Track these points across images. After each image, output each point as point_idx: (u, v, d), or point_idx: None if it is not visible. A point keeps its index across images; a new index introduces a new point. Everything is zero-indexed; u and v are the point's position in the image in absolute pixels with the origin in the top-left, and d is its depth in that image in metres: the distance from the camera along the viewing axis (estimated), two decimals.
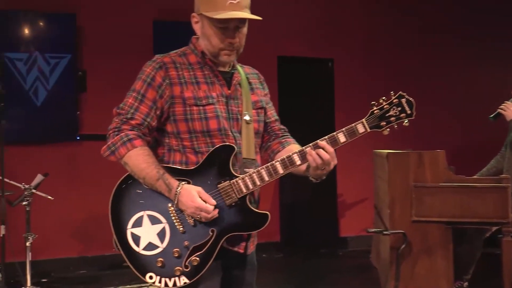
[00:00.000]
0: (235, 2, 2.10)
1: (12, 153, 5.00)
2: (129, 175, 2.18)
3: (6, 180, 4.18)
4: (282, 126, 2.46)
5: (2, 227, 3.47)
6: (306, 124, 6.48)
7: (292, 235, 6.69)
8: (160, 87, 2.16)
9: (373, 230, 3.40)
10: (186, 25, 6.44)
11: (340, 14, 6.91)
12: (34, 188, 4.26)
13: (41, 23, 5.72)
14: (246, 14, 2.14)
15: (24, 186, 4.09)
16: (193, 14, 2.22)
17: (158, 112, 2.17)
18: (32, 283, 4.23)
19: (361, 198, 6.79)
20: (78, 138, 5.85)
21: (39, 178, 4.58)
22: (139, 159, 2.13)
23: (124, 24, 6.01)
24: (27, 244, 4.06)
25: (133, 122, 2.15)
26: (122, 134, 2.15)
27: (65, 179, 5.70)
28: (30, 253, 4.08)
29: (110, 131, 2.19)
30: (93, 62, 5.93)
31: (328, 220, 6.86)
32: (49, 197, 4.32)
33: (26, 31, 5.68)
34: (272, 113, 2.43)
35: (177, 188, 2.10)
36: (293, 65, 6.74)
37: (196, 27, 2.23)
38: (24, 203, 4.07)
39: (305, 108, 6.68)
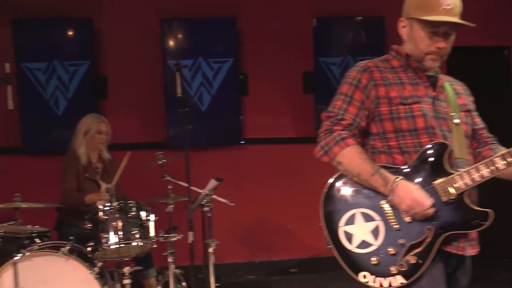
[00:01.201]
0: (448, 7, 2.15)
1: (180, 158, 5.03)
2: (339, 176, 2.23)
3: (181, 183, 4.19)
4: (490, 134, 2.42)
5: (190, 233, 3.41)
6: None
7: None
8: (365, 88, 2.22)
9: None
10: (346, 21, 6.12)
11: None
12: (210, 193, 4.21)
13: (203, 29, 5.75)
14: (459, 20, 2.17)
15: (204, 192, 4.04)
16: (401, 18, 2.29)
17: (366, 113, 2.23)
18: None
19: None
20: (242, 142, 5.81)
21: (212, 183, 4.54)
22: (352, 156, 2.16)
23: (284, 24, 5.88)
24: (210, 250, 4.01)
25: (343, 122, 2.21)
26: (334, 134, 2.19)
27: (231, 183, 5.63)
28: (213, 258, 4.03)
29: (321, 134, 2.24)
30: (254, 65, 5.87)
31: None
32: (230, 203, 4.25)
33: (189, 37, 5.73)
34: (479, 121, 2.42)
35: (394, 182, 2.10)
36: (463, 55, 6.19)
37: (403, 31, 2.30)
38: (205, 209, 4.02)
39: (477, 101, 6.11)
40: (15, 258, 3.52)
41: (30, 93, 5.49)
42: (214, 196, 4.12)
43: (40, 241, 3.84)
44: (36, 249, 3.69)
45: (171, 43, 5.70)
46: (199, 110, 5.70)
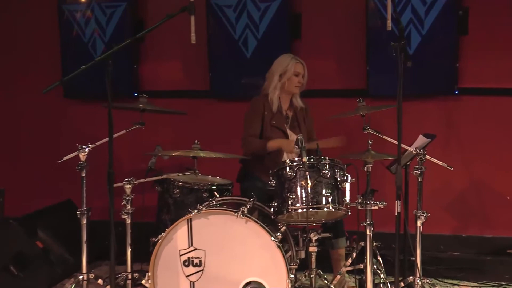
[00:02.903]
0: None
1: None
2: None
3: (386, 137, 3.42)
4: None
5: (398, 203, 2.66)
6: None
7: None
8: None
9: None
10: None
11: None
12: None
13: None
14: None
15: (417, 150, 3.22)
16: None
17: None
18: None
19: None
20: (456, 92, 4.80)
21: (422, 140, 3.71)
22: None
23: None
24: (419, 223, 3.23)
25: None
26: None
27: (441, 140, 4.65)
28: (420, 234, 3.24)
29: None
30: None
31: None
32: (448, 166, 3.38)
33: None
34: None
35: None
36: None
37: None
38: (415, 172, 3.20)
39: None
40: (191, 214, 3.07)
41: (219, 33, 5.10)
42: (428, 157, 3.27)
43: (219, 196, 3.38)
44: (214, 206, 3.22)
45: None
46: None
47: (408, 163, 3.82)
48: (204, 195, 3.50)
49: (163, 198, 3.66)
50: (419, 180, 3.21)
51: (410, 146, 3.54)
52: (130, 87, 5.30)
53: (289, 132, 3.92)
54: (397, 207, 2.69)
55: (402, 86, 2.71)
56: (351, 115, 3.62)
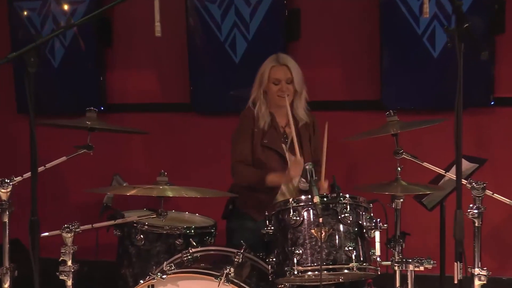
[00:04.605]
0: None
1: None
2: None
3: (426, 164, 2.54)
4: None
5: (457, 265, 1.76)
6: None
7: None
8: None
9: None
10: None
11: None
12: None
13: None
14: None
15: (472, 183, 2.32)
16: None
17: None
18: None
19: None
20: (492, 103, 3.95)
21: (464, 165, 2.87)
22: None
23: None
24: (476, 285, 2.32)
25: None
26: None
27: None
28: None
29: None
30: None
31: None
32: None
33: None
34: None
35: None
36: None
37: None
38: (472, 213, 2.29)
39: None
40: (152, 278, 2.14)
41: (202, 34, 4.31)
42: (488, 193, 2.37)
43: (196, 244, 2.48)
44: (188, 261, 2.31)
45: None
46: (429, 55, 3.96)
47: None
48: (177, 242, 2.62)
49: (124, 245, 2.77)
50: (476, 224, 2.30)
51: (445, 171, 2.67)
52: (95, 100, 4.46)
53: (288, 154, 3.02)
54: (457, 273, 1.79)
55: (461, 93, 1.83)
56: (379, 134, 2.73)
